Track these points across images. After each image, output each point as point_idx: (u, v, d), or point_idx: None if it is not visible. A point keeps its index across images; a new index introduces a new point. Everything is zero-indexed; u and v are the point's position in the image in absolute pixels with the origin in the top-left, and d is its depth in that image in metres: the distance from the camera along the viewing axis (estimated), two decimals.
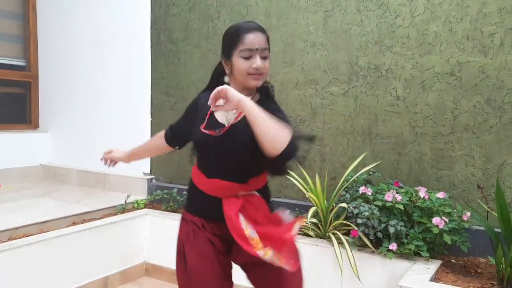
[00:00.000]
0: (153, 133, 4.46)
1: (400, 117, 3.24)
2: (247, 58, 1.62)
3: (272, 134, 1.45)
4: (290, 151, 1.49)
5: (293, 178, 3.40)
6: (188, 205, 1.88)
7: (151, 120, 4.47)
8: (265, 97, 1.75)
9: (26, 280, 2.92)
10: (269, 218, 1.71)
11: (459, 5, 3.00)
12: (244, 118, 1.57)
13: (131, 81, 4.61)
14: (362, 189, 2.98)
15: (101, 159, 2.28)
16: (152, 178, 4.45)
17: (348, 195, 3.13)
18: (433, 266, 2.71)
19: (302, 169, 3.47)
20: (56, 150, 5.27)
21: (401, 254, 2.80)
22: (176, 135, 2.00)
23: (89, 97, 4.93)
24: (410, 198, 2.91)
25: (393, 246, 2.76)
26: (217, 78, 1.79)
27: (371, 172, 3.22)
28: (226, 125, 1.68)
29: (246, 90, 1.69)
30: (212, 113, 1.73)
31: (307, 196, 3.26)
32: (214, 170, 1.73)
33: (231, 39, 1.65)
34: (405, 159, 3.24)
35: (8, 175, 4.85)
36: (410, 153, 3.22)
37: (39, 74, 5.36)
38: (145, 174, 4.51)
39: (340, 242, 2.93)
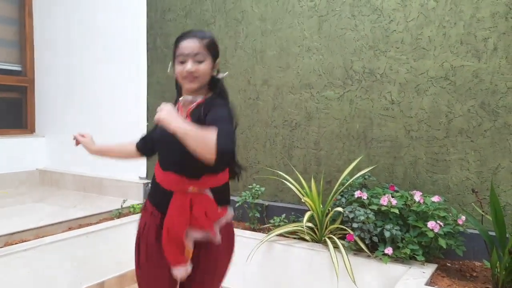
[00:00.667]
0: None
1: (395, 121, 3.25)
2: (182, 63, 1.77)
3: (198, 145, 1.50)
4: (221, 150, 1.49)
5: (289, 182, 3.41)
6: (149, 195, 1.97)
7: (147, 125, 4.48)
8: (217, 94, 1.85)
9: (22, 285, 2.91)
10: (210, 215, 1.80)
11: (452, 10, 3.02)
12: (193, 114, 1.78)
13: (127, 86, 4.61)
14: (357, 193, 2.99)
15: (73, 138, 2.28)
16: (148, 183, 4.44)
17: (343, 199, 3.14)
18: (429, 270, 2.72)
19: (298, 173, 3.48)
20: (52, 155, 5.26)
21: (396, 258, 2.81)
22: (144, 143, 2.12)
23: (85, 101, 4.93)
24: (405, 202, 2.92)
25: (389, 250, 2.77)
26: (176, 84, 1.95)
27: (366, 176, 3.23)
28: None
29: (193, 92, 1.82)
30: None
31: (302, 200, 3.26)
32: (167, 163, 1.84)
33: (174, 46, 1.83)
34: (400, 163, 3.25)
35: (4, 180, 4.83)
36: (405, 157, 3.23)
37: (35, 79, 5.36)
38: (141, 178, 4.51)
39: (336, 246, 2.93)
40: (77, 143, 2.26)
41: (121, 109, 4.66)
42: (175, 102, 1.93)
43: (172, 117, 1.54)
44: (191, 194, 1.77)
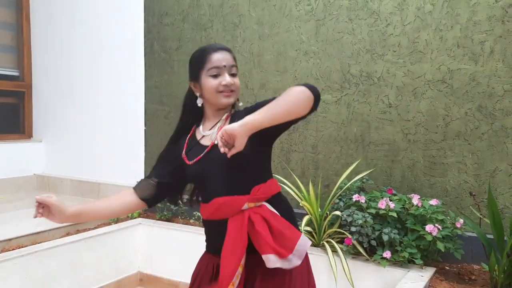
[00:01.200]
0: (146, 142, 4.47)
1: (393, 125, 3.26)
2: (215, 77, 1.59)
3: (293, 108, 1.43)
4: (317, 92, 1.46)
5: (287, 186, 3.40)
6: (206, 245, 1.74)
7: (144, 129, 4.47)
8: (237, 110, 1.71)
9: None
10: (280, 234, 1.51)
11: (449, 13, 3.03)
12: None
13: (125, 90, 4.61)
14: (355, 197, 2.98)
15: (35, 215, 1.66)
16: None
17: (341, 203, 3.14)
18: (427, 273, 2.72)
19: (295, 177, 3.48)
20: (49, 160, 5.25)
21: (395, 262, 2.80)
22: (157, 187, 1.74)
23: (83, 106, 4.92)
24: (403, 205, 2.92)
25: (387, 254, 2.76)
26: (190, 104, 1.72)
27: (364, 180, 3.23)
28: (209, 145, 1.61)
29: (220, 111, 1.66)
30: (189, 144, 1.69)
31: (300, 204, 3.26)
32: (212, 193, 1.59)
33: (198, 60, 1.64)
34: (398, 166, 3.25)
35: (1, 185, 4.83)
36: (403, 160, 3.23)
37: (33, 83, 5.36)
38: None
39: (334, 250, 2.93)
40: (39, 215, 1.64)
41: (119, 114, 4.65)
42: (186, 125, 1.74)
43: (244, 120, 1.37)
44: (247, 211, 1.53)
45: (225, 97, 1.60)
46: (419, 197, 2.93)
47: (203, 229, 1.73)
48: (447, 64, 3.05)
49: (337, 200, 3.18)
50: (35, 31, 5.31)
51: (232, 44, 3.92)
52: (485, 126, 2.96)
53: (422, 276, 2.67)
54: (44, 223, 3.54)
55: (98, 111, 4.81)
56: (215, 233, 1.61)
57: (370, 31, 3.31)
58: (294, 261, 1.48)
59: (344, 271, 2.79)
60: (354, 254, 2.94)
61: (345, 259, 2.85)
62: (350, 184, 3.18)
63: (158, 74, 4.37)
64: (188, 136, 1.71)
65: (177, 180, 1.72)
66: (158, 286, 3.68)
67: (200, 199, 1.71)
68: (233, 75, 1.62)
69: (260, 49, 3.79)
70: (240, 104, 1.71)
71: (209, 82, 1.59)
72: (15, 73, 5.30)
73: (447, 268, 2.92)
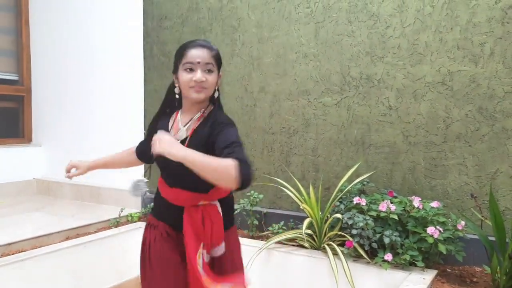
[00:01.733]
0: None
1: (393, 127, 3.25)
2: (189, 71, 1.70)
3: (214, 176, 1.48)
4: (244, 180, 1.47)
5: (287, 189, 3.40)
6: (155, 211, 1.95)
7: (144, 133, 4.46)
8: (218, 107, 1.84)
9: None
10: (217, 233, 1.78)
11: (448, 15, 3.03)
12: (196, 132, 1.73)
13: (124, 94, 4.61)
14: (356, 200, 2.98)
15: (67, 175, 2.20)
16: (145, 191, 4.43)
17: (342, 206, 3.13)
18: (429, 276, 2.70)
19: (296, 180, 3.47)
20: (49, 164, 5.24)
21: (396, 264, 2.79)
22: (142, 151, 2.05)
23: (82, 110, 4.92)
24: (404, 208, 2.91)
25: (388, 257, 2.75)
26: (170, 94, 1.88)
27: (365, 182, 3.23)
28: (178, 139, 1.74)
29: (195, 104, 1.78)
30: (168, 129, 1.83)
31: (301, 207, 3.25)
32: (174, 180, 1.79)
33: (178, 54, 1.76)
34: (398, 169, 3.25)
35: (1, 189, 4.82)
36: (404, 162, 3.23)
37: (32, 88, 5.35)
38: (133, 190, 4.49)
39: (335, 253, 2.92)
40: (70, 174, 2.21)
41: (118, 118, 4.65)
42: (169, 112, 1.90)
43: (174, 148, 1.48)
44: (202, 207, 1.75)
45: (195, 92, 1.71)
46: (420, 199, 2.92)
47: None
48: (447, 66, 3.05)
49: (338, 203, 3.17)
50: (35, 36, 5.31)
51: (231, 47, 3.92)
52: (485, 128, 2.96)
53: (423, 278, 2.66)
54: (44, 228, 3.53)
55: (98, 115, 4.81)
56: (166, 207, 1.82)
57: (369, 33, 3.30)
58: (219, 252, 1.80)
59: (345, 273, 2.78)
60: (355, 256, 2.93)
61: (346, 261, 2.83)
62: (350, 187, 3.17)
63: (158, 78, 4.37)
64: (172, 122, 1.84)
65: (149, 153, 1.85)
66: None
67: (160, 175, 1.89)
68: (208, 71, 1.72)
69: (259, 52, 3.79)
70: (216, 94, 1.82)
71: (183, 76, 1.72)
72: (15, 78, 5.30)
73: (449, 270, 2.91)
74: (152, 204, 2.03)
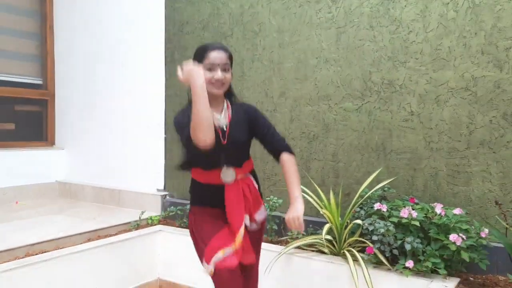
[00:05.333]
0: (167, 150, 4.50)
1: (415, 133, 3.22)
2: (210, 70, 2.00)
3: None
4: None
5: (307, 194, 3.38)
6: (194, 200, 2.21)
7: (165, 137, 4.51)
8: (233, 100, 2.19)
9: None
10: (256, 199, 2.18)
11: (473, 20, 2.99)
12: (233, 118, 2.09)
13: (146, 99, 4.66)
14: (377, 206, 2.95)
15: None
16: (166, 195, 4.46)
17: (362, 212, 3.10)
18: (451, 284, 2.66)
19: (316, 185, 3.46)
20: (71, 167, 5.32)
21: (417, 272, 2.75)
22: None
23: (104, 114, 4.99)
24: (426, 214, 2.88)
25: (410, 263, 2.72)
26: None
27: (386, 188, 3.20)
28: (225, 128, 2.07)
29: (214, 97, 2.04)
30: None
31: (321, 212, 3.23)
32: (213, 162, 2.07)
33: (200, 56, 2.04)
34: (420, 175, 3.21)
35: (25, 191, 4.91)
36: (426, 168, 3.19)
37: (56, 92, 5.45)
38: (158, 190, 4.53)
39: (355, 259, 2.89)
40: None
41: (140, 123, 4.70)
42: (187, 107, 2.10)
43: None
44: (240, 181, 2.10)
45: (216, 88, 2.03)
46: (442, 206, 2.88)
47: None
48: (471, 72, 3.01)
49: (358, 209, 3.14)
50: (59, 41, 5.42)
51: (252, 52, 3.93)
52: (510, 134, 2.90)
53: (445, 286, 2.61)
54: (66, 229, 3.58)
55: (119, 119, 4.87)
56: (211, 193, 2.10)
57: (391, 38, 3.29)
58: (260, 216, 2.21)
59: (366, 280, 2.75)
60: (375, 263, 2.90)
61: (367, 268, 2.80)
62: (371, 193, 3.15)
63: (179, 83, 4.37)
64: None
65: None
66: None
67: (194, 166, 2.16)
68: (225, 70, 2.03)
69: (280, 57, 3.79)
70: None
71: (205, 74, 1.97)
72: (39, 82, 5.41)
73: (472, 279, 2.86)
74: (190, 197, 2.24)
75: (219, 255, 1.97)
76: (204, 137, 1.83)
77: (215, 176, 2.08)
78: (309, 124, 3.66)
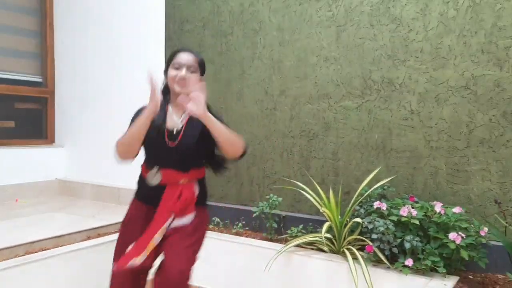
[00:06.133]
0: None
1: (415, 131, 3.22)
2: (176, 69, 2.10)
3: (233, 144, 2.02)
4: (245, 152, 2.09)
5: (307, 192, 3.39)
6: (137, 193, 2.30)
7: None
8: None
9: None
10: (188, 207, 2.14)
11: (473, 18, 2.99)
12: (189, 123, 2.12)
13: (146, 97, 4.64)
14: (376, 204, 2.95)
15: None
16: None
17: (362, 210, 3.11)
18: (450, 282, 2.67)
19: (315, 183, 3.46)
20: (71, 165, 5.32)
21: (417, 270, 2.76)
22: None
23: (104, 113, 4.98)
24: (425, 213, 2.88)
25: (409, 262, 2.72)
26: (163, 88, 2.23)
27: (385, 187, 3.20)
28: (175, 131, 2.11)
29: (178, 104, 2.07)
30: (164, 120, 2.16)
31: (321, 211, 3.24)
32: (161, 162, 2.12)
33: (170, 57, 2.16)
34: (420, 174, 3.21)
35: (24, 189, 4.90)
36: (425, 167, 3.19)
37: (55, 90, 5.45)
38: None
39: (354, 258, 2.89)
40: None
41: None
42: (162, 110, 2.15)
43: (207, 112, 1.93)
44: (181, 185, 2.11)
45: (178, 86, 2.09)
46: (441, 204, 2.88)
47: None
48: (471, 70, 3.01)
49: (358, 207, 3.15)
50: (59, 39, 5.41)
51: (252, 50, 3.93)
52: (510, 133, 2.91)
53: (445, 284, 2.62)
54: (66, 227, 3.59)
55: (119, 118, 4.85)
56: (151, 191, 2.14)
57: (392, 37, 3.29)
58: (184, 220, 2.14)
59: (365, 278, 2.75)
60: (375, 261, 2.91)
61: (366, 266, 2.81)
62: (371, 191, 3.15)
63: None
64: (164, 114, 2.17)
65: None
66: None
67: (144, 162, 2.24)
68: (191, 72, 2.11)
69: (280, 55, 3.80)
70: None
71: (170, 73, 2.11)
72: (39, 80, 5.40)
73: (471, 277, 2.87)
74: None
75: (136, 261, 2.07)
76: (122, 152, 2.10)
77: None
78: (309, 123, 3.66)
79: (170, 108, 2.18)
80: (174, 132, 2.12)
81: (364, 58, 3.40)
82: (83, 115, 5.18)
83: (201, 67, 2.18)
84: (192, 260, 2.12)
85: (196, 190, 2.18)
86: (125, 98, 4.82)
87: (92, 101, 5.10)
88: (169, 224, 2.10)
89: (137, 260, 2.06)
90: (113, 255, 2.31)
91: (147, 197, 2.20)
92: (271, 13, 3.83)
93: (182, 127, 2.13)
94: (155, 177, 2.13)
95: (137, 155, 2.18)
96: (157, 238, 2.07)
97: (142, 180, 2.25)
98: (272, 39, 3.84)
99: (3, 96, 5.04)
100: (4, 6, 5.07)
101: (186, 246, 2.10)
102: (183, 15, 4.36)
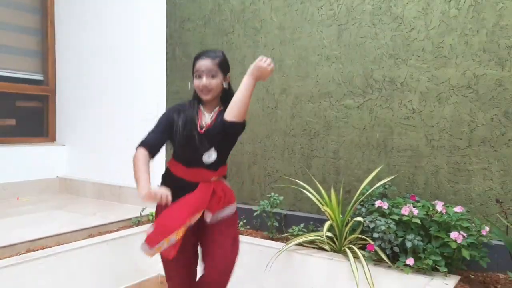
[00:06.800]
0: (167, 146, 4.48)
1: (416, 130, 3.22)
2: (198, 77, 2.23)
3: (244, 107, 2.12)
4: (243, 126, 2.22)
5: (308, 191, 3.39)
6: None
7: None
8: (225, 102, 2.26)
9: None
10: (229, 198, 2.34)
11: (475, 17, 2.99)
12: (216, 120, 2.23)
13: (146, 95, 4.65)
14: (378, 203, 2.95)
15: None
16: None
17: (363, 209, 3.11)
18: (451, 281, 2.67)
19: (317, 182, 3.46)
20: (72, 163, 5.32)
21: (418, 269, 2.76)
22: (156, 148, 2.30)
23: (105, 110, 4.98)
24: (427, 212, 2.88)
25: (410, 261, 2.72)
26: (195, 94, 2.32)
27: (387, 186, 3.20)
28: (204, 126, 2.24)
29: (208, 102, 2.28)
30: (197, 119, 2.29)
31: (322, 209, 3.24)
32: (193, 161, 2.24)
33: (192, 65, 2.27)
34: (421, 173, 3.21)
35: (25, 187, 4.91)
36: (427, 166, 3.19)
37: (56, 88, 5.45)
38: (159, 186, 4.53)
39: (356, 257, 2.90)
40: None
41: (141, 119, 4.69)
42: (188, 107, 2.30)
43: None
44: (213, 182, 2.25)
45: (203, 95, 2.24)
46: (443, 204, 2.88)
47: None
48: (472, 69, 3.01)
49: (359, 206, 3.15)
50: (60, 37, 5.41)
51: (253, 49, 3.93)
52: (511, 132, 2.90)
53: (446, 284, 2.62)
54: (67, 225, 3.59)
55: (120, 116, 4.86)
56: (181, 188, 2.21)
57: (393, 36, 3.28)
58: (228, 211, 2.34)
59: (366, 277, 2.76)
60: (376, 260, 2.91)
61: (367, 265, 2.81)
62: (372, 190, 3.15)
63: (180, 79, 4.40)
64: (197, 113, 2.28)
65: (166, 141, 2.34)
66: None
67: (175, 158, 2.34)
68: (212, 76, 2.21)
69: (281, 54, 3.79)
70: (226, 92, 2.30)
71: (194, 82, 2.25)
72: (40, 78, 5.41)
73: (472, 276, 2.87)
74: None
75: (164, 244, 2.10)
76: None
77: (191, 174, 2.25)
78: (310, 121, 3.66)
79: (202, 109, 2.31)
80: (205, 126, 2.24)
81: (366, 57, 3.40)
82: (84, 113, 5.19)
83: (222, 68, 2.25)
84: (236, 251, 2.38)
85: (227, 184, 2.38)
86: (126, 96, 4.82)
87: (93, 99, 5.10)
88: (210, 216, 2.25)
89: (175, 237, 2.12)
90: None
91: (177, 193, 2.21)
92: (273, 12, 3.82)
93: (211, 122, 2.26)
94: (211, 155, 2.23)
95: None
96: (192, 220, 2.18)
97: (170, 176, 2.34)
98: (273, 38, 3.83)
99: (4, 94, 5.04)
100: (5, 4, 5.07)
101: (230, 237, 2.34)
102: (184, 14, 4.36)
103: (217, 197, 2.25)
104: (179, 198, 2.19)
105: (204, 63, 2.21)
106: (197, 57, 2.25)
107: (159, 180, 2.41)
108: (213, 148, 2.23)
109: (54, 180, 5.25)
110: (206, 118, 2.28)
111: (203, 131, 2.22)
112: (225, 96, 2.28)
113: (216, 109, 2.29)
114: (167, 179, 2.36)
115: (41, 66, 5.43)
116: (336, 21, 3.52)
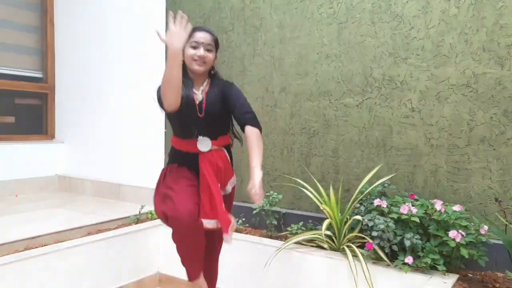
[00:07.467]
0: (166, 144, 4.50)
1: (415, 129, 3.22)
2: (194, 48, 2.22)
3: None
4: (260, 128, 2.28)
5: (307, 189, 3.39)
6: (172, 162, 2.45)
7: (165, 131, 4.50)
8: (216, 78, 2.39)
9: None
10: (228, 169, 2.41)
11: (475, 16, 2.99)
12: (209, 93, 2.29)
13: (146, 93, 4.64)
14: (377, 202, 2.95)
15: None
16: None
17: (362, 208, 3.11)
18: (450, 280, 2.67)
19: (316, 181, 3.46)
20: (71, 161, 5.32)
21: (417, 268, 2.76)
22: None
23: (104, 108, 4.98)
24: (426, 211, 2.88)
25: (409, 260, 2.73)
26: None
27: (385, 185, 3.20)
28: (198, 102, 2.28)
29: (197, 76, 2.30)
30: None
31: (321, 208, 3.24)
32: (190, 132, 2.29)
33: (188, 35, 2.16)
34: (420, 171, 3.21)
35: (24, 185, 4.91)
36: (426, 165, 3.19)
37: (56, 85, 5.45)
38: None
39: (354, 255, 2.90)
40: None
41: (140, 116, 4.69)
42: (189, 88, 2.30)
43: (260, 181, 2.07)
44: (213, 151, 2.31)
45: (197, 65, 2.24)
46: (442, 202, 2.88)
47: None
48: (472, 68, 3.01)
49: (358, 205, 3.15)
50: (59, 34, 5.40)
51: (253, 47, 3.93)
52: (511, 132, 2.90)
53: (444, 282, 2.62)
54: (66, 223, 3.59)
55: (119, 113, 4.86)
56: (187, 159, 2.34)
57: (393, 35, 3.28)
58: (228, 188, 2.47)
59: (365, 276, 2.76)
60: (375, 259, 2.91)
61: (366, 264, 2.81)
62: (371, 189, 3.15)
63: None
64: (192, 85, 2.31)
65: None
66: (177, 287, 3.69)
67: (174, 134, 2.43)
68: (208, 50, 2.24)
69: (281, 52, 3.79)
70: (213, 71, 2.40)
71: (188, 51, 2.24)
72: (39, 75, 5.40)
73: (470, 275, 2.87)
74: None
75: (234, 223, 2.27)
76: (170, 95, 2.06)
77: (189, 145, 2.32)
78: (309, 120, 3.66)
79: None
80: (197, 102, 2.28)
81: (365, 55, 3.40)
82: (83, 110, 5.18)
83: (217, 45, 2.32)
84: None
85: (227, 155, 2.41)
86: (125, 94, 4.82)
87: (92, 97, 5.09)
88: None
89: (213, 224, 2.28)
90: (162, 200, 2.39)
91: (186, 163, 2.37)
92: (272, 10, 3.82)
93: (203, 98, 2.30)
94: (205, 144, 2.29)
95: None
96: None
97: (174, 152, 2.44)
98: (273, 36, 3.83)
99: (3, 91, 5.04)
100: (4, 1, 5.06)
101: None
102: (184, 11, 4.31)
103: (219, 168, 2.32)
104: (189, 165, 2.34)
105: (204, 36, 2.24)
106: (196, 29, 2.26)
107: (162, 167, 2.60)
108: (209, 139, 2.30)
109: (53, 177, 5.25)
110: (198, 95, 2.31)
111: (201, 114, 2.28)
112: (213, 72, 2.39)
113: (205, 83, 2.34)
114: (173, 153, 2.47)
115: (41, 63, 5.43)
116: (336, 20, 3.51)
